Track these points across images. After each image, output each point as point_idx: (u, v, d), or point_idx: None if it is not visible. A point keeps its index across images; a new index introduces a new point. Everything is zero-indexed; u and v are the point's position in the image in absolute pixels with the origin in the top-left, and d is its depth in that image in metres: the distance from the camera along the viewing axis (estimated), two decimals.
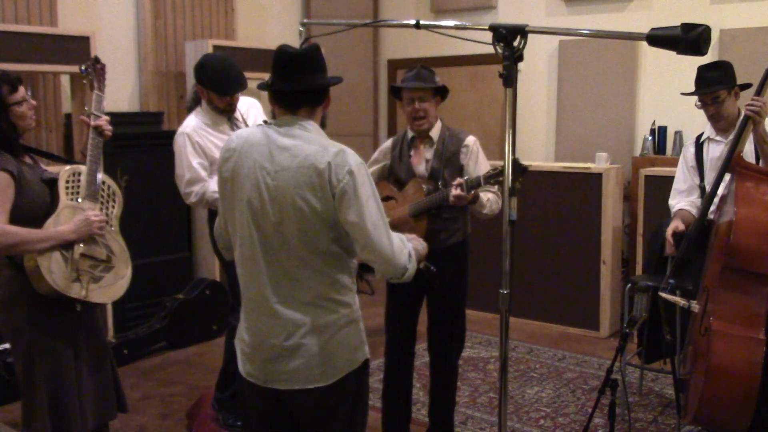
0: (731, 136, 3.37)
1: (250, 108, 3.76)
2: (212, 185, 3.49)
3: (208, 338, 5.14)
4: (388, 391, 3.48)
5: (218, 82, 3.47)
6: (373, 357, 2.72)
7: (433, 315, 3.40)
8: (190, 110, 3.68)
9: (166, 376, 4.57)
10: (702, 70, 3.46)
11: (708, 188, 3.38)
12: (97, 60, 3.06)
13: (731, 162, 3.07)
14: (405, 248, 2.17)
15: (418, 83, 3.21)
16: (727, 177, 3.15)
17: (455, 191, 3.01)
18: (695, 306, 3.05)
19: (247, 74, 3.65)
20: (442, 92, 3.29)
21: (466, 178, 3.06)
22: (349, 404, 2.22)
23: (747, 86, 3.46)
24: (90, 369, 2.89)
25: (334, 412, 2.20)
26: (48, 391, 2.73)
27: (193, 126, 3.55)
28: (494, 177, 2.94)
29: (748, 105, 3.13)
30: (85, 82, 3.06)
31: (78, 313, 2.79)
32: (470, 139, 3.31)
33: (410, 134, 3.36)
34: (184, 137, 3.53)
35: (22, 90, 2.72)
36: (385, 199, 3.30)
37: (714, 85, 3.40)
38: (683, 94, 3.61)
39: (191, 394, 4.23)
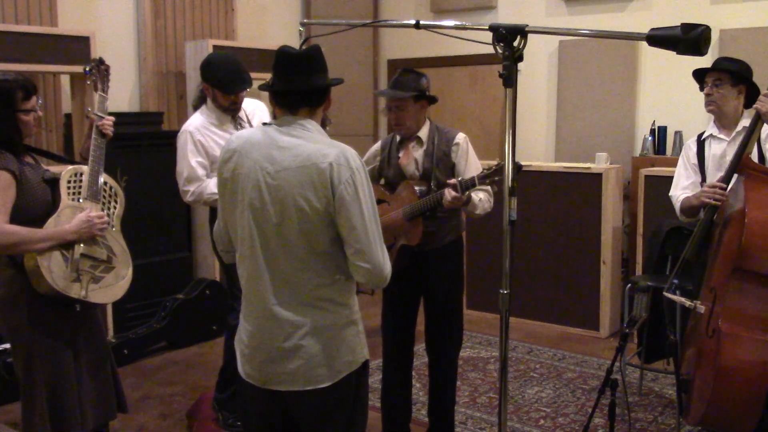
0: (734, 134, 3.36)
1: (256, 110, 3.76)
2: (211, 185, 3.49)
3: (208, 338, 5.14)
4: (387, 392, 3.48)
5: (224, 80, 3.48)
6: (373, 357, 2.72)
7: (429, 315, 3.40)
8: (195, 108, 3.68)
9: (166, 376, 4.57)
10: (719, 59, 3.43)
11: None
12: (101, 61, 3.07)
13: (740, 163, 3.05)
14: (388, 260, 2.17)
15: (393, 93, 3.20)
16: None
17: (450, 194, 2.95)
18: (701, 307, 3.04)
19: None
20: (427, 96, 3.24)
21: (459, 179, 2.99)
22: (348, 405, 2.21)
23: (755, 91, 3.40)
24: (90, 369, 2.89)
25: (333, 413, 2.20)
26: (48, 392, 2.73)
27: (197, 124, 3.56)
28: (489, 177, 2.90)
29: (758, 102, 3.10)
30: (88, 82, 3.07)
31: (78, 313, 2.79)
32: (460, 137, 3.27)
33: (399, 136, 3.35)
34: (186, 135, 3.53)
35: (33, 100, 2.73)
36: (377, 202, 3.29)
37: (725, 68, 3.33)
38: (696, 71, 3.46)
39: (191, 394, 4.23)
